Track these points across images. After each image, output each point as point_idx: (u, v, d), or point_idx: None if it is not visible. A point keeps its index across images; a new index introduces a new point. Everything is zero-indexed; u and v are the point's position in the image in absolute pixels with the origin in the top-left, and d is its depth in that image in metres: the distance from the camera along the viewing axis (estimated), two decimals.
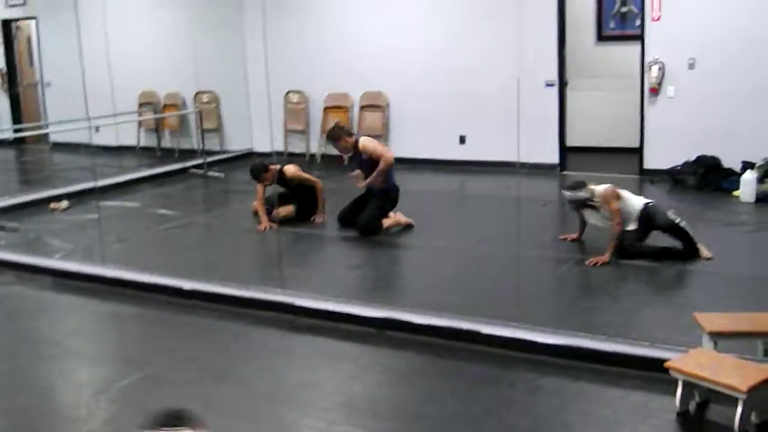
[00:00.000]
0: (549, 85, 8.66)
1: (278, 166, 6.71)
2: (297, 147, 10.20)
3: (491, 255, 5.60)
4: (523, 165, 8.83)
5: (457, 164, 9.21)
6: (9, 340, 4.37)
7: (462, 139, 9.25)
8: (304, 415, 3.40)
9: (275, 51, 9.95)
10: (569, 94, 8.82)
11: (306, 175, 6.73)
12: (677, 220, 5.36)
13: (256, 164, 6.84)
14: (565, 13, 8.47)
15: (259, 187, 6.64)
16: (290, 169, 6.70)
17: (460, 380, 3.68)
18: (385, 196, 6.34)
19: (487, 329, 3.97)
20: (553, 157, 8.82)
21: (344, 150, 6.70)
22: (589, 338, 3.84)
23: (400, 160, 8.91)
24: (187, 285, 4.86)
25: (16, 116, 12.51)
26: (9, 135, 11.59)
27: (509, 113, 8.84)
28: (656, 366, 3.47)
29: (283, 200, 6.65)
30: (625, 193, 5.50)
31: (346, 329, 4.27)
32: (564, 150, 8.84)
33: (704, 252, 5.28)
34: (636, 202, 5.46)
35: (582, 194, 5.58)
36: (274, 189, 6.71)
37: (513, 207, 7.11)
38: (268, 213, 6.56)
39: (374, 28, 9.46)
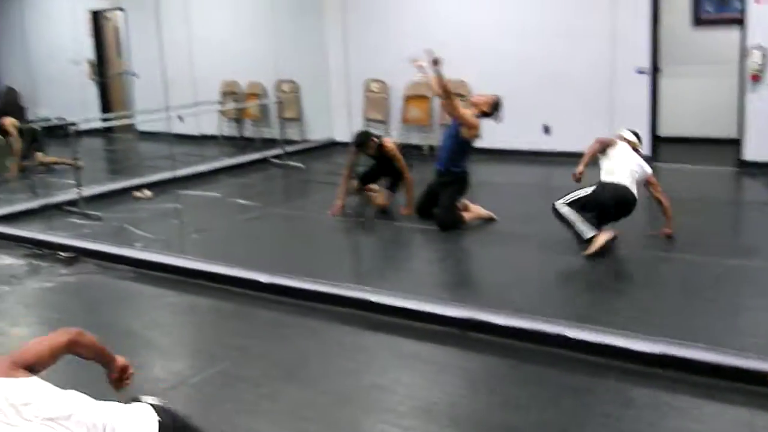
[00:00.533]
0: (640, 71, 8.23)
1: (377, 140, 6.69)
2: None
3: (579, 252, 5.32)
4: None
5: (542, 155, 8.89)
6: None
7: (547, 129, 8.92)
8: (378, 420, 3.25)
9: (356, 40, 9.86)
10: (662, 81, 8.38)
11: (401, 157, 6.66)
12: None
13: (362, 131, 6.92)
14: None
15: (352, 156, 6.70)
16: (389, 143, 6.70)
17: (544, 388, 3.46)
18: (455, 183, 6.13)
19: (573, 333, 3.73)
20: (644, 147, 8.37)
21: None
22: (687, 346, 3.54)
23: (481, 151, 8.70)
24: (264, 278, 4.77)
25: (105, 105, 12.83)
26: (97, 124, 11.85)
27: (597, 101, 8.51)
28: (763, 379, 3.17)
29: (366, 179, 6.80)
30: None
31: (425, 329, 4.09)
32: (656, 140, 8.41)
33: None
34: None
35: None
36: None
37: None
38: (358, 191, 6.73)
39: (456, 15, 9.21)
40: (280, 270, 4.88)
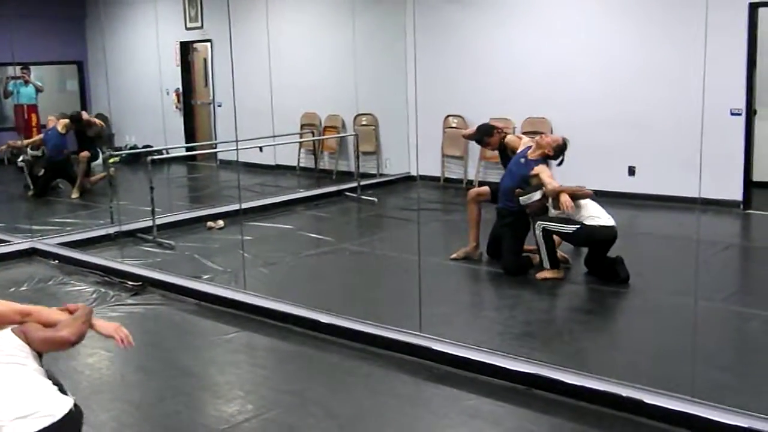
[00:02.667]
0: (734, 113, 7.79)
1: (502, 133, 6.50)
2: (454, 173, 9.88)
3: (664, 305, 4.98)
4: (700, 200, 8.01)
5: (625, 197, 8.50)
6: (144, 367, 4.32)
7: (631, 171, 8.54)
8: None
9: (436, 74, 9.72)
10: (757, 123, 7.92)
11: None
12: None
13: (487, 124, 6.62)
14: (757, 33, 7.60)
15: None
16: (511, 138, 6.49)
17: None
18: (515, 222, 5.87)
19: (652, 399, 3.41)
20: (735, 193, 7.92)
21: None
22: None
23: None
24: (324, 318, 4.63)
25: (190, 134, 13.10)
26: (180, 152, 12.09)
27: (684, 143, 8.08)
28: None
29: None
30: None
31: (488, 383, 3.85)
32: (749, 185, 7.92)
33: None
34: None
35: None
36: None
37: (689, 249, 6.45)
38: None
39: (539, 52, 8.97)
40: (343, 310, 4.73)
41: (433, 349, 4.10)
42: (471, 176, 9.70)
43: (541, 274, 5.62)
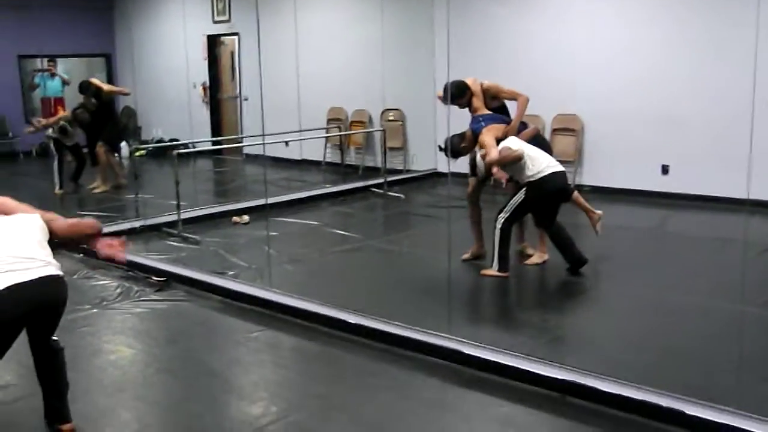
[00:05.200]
0: None
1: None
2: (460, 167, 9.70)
3: (703, 311, 4.80)
4: (732, 201, 7.79)
5: (658, 196, 8.31)
6: (166, 366, 4.24)
7: (665, 169, 8.33)
8: None
9: (464, 70, 9.55)
10: None
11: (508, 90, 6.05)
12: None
13: (453, 82, 5.78)
14: None
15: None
16: (489, 84, 6.00)
17: None
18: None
19: (693, 410, 3.25)
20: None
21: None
22: None
23: (594, 189, 8.23)
24: (352, 318, 4.52)
25: (216, 128, 13.07)
26: (207, 146, 12.05)
27: (720, 140, 7.88)
28: None
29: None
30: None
31: (521, 389, 3.71)
32: None
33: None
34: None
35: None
36: None
37: (725, 251, 6.27)
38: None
39: (570, 46, 8.79)
40: (371, 310, 4.61)
41: (462, 353, 3.97)
42: None
43: (486, 272, 5.52)
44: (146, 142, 13.24)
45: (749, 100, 7.53)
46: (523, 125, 5.85)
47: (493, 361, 3.87)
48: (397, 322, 4.35)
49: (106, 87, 9.68)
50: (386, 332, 4.31)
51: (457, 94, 5.80)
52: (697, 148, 8.04)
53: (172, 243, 6.85)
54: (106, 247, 3.43)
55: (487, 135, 5.55)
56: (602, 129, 8.70)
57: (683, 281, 5.43)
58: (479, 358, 3.91)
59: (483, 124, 5.70)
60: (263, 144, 6.47)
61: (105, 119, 9.47)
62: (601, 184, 8.52)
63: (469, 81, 5.92)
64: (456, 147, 5.79)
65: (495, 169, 5.40)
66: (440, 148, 6.00)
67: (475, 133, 5.71)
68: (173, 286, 5.57)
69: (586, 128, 8.83)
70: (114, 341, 4.57)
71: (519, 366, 3.79)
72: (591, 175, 8.65)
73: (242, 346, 4.47)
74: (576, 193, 5.93)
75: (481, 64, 9.49)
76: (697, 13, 7.89)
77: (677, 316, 4.75)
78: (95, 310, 5.10)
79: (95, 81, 9.65)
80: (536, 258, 5.88)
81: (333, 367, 4.13)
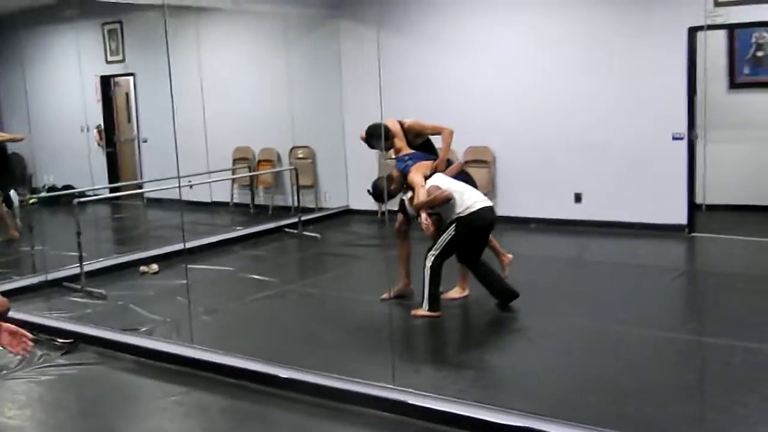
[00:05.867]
0: (677, 138, 7.79)
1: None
2: (393, 205, 9.57)
3: (636, 340, 4.77)
4: (644, 226, 7.98)
5: (572, 224, 8.40)
6: None
7: (578, 197, 8.44)
8: None
9: (372, 105, 9.47)
10: (699, 147, 7.93)
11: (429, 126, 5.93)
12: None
13: (376, 124, 5.66)
14: (696, 58, 7.62)
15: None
16: (410, 122, 5.87)
17: None
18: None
19: None
20: (680, 216, 7.90)
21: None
22: None
23: (507, 219, 8.22)
24: (284, 372, 4.23)
25: (113, 173, 12.45)
26: (104, 192, 11.44)
27: (630, 169, 8.06)
28: None
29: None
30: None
31: None
32: (693, 209, 7.91)
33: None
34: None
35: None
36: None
37: (645, 277, 6.35)
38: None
39: (479, 78, 8.83)
40: (303, 361, 4.33)
41: (408, 403, 3.75)
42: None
43: (416, 312, 5.36)
44: (36, 190, 12.46)
45: (657, 126, 7.81)
46: (448, 162, 5.77)
47: (442, 411, 3.67)
48: (333, 374, 4.09)
49: None
50: (323, 386, 4.04)
51: (383, 137, 5.67)
52: (609, 175, 8.18)
53: (75, 299, 6.34)
54: (7, 335, 2.68)
55: (416, 174, 5.43)
56: (514, 159, 8.76)
57: (612, 311, 5.41)
58: (426, 408, 3.71)
59: (410, 162, 5.57)
60: (179, 187, 6.07)
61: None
62: (515, 214, 8.53)
63: (388, 122, 5.80)
64: (384, 190, 5.60)
65: (423, 217, 5.24)
66: (369, 192, 5.81)
67: (403, 173, 5.57)
68: (81, 348, 5.11)
69: (498, 160, 8.86)
70: (20, 416, 4.10)
71: (470, 414, 3.60)
72: (504, 206, 8.65)
73: (164, 411, 4.10)
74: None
75: (390, 99, 9.42)
76: (601, 47, 8.08)
77: (614, 348, 4.69)
78: None
79: None
80: (455, 293, 5.76)
81: (270, 429, 3.83)
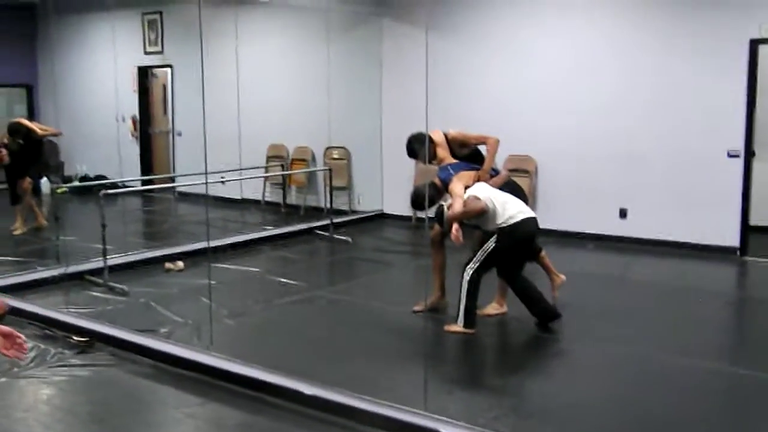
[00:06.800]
0: (732, 155, 7.37)
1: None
2: (430, 212, 9.24)
3: (684, 372, 4.40)
4: (693, 246, 7.57)
5: (615, 240, 8.01)
6: None
7: (623, 213, 8.05)
8: None
9: (411, 107, 9.18)
10: (755, 165, 7.50)
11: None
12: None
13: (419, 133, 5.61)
14: (757, 71, 7.20)
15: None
16: (453, 133, 5.67)
17: None
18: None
19: None
20: (732, 238, 7.48)
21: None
22: None
23: (548, 233, 7.86)
24: (307, 389, 3.93)
25: (147, 164, 12.31)
26: (135, 185, 11.28)
27: (680, 185, 7.66)
28: None
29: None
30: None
31: None
32: (746, 231, 7.48)
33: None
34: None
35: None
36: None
37: (691, 301, 5.97)
38: None
39: (524, 85, 8.49)
40: (328, 377, 4.04)
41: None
42: None
43: (449, 327, 5.08)
44: (69, 179, 12.36)
45: (712, 142, 7.39)
46: (494, 171, 5.48)
47: None
48: (361, 395, 3.79)
49: (39, 130, 8.90)
50: (349, 406, 3.73)
51: (419, 146, 5.51)
52: (657, 191, 7.79)
53: (96, 294, 6.14)
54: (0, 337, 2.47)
55: (457, 184, 5.18)
56: (558, 171, 8.39)
57: (659, 337, 5.04)
58: None
59: (452, 172, 5.32)
60: (206, 183, 5.84)
61: (32, 158, 8.71)
62: (557, 228, 8.17)
63: (432, 133, 5.59)
64: (425, 197, 5.28)
65: (455, 228, 4.95)
66: (412, 201, 5.52)
67: (445, 183, 5.31)
68: (97, 348, 4.87)
69: (540, 170, 8.50)
70: (26, 421, 3.86)
71: None
72: (546, 219, 8.26)
73: (179, 424, 3.83)
74: (543, 253, 5.59)
75: (432, 103, 9.11)
76: (653, 56, 7.69)
77: (660, 379, 4.32)
78: (3, 380, 4.37)
79: (26, 122, 8.87)
80: (492, 309, 5.44)
81: None
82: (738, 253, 7.45)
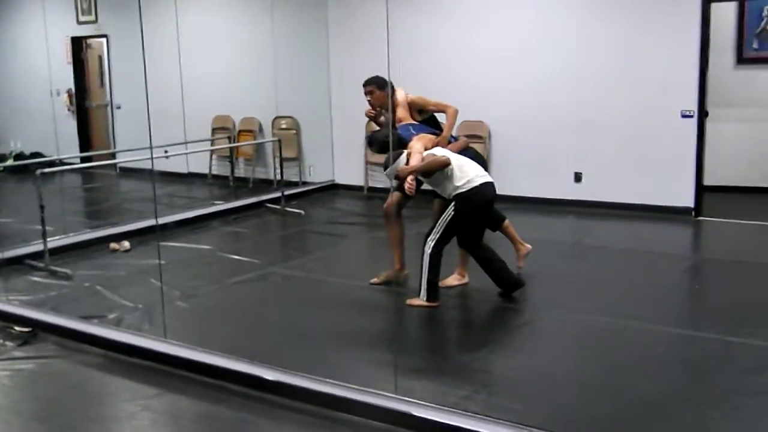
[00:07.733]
0: (686, 115, 7.34)
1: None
2: (379, 181, 9.07)
3: (645, 337, 4.34)
4: (648, 207, 7.56)
5: (570, 204, 7.96)
6: None
7: (578, 177, 7.98)
8: None
9: (360, 74, 8.94)
10: (708, 125, 7.48)
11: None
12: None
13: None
14: (710, 30, 7.15)
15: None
16: (414, 97, 5.56)
17: None
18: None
19: None
20: (686, 199, 7.48)
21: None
22: None
23: (503, 198, 7.74)
24: (270, 374, 3.74)
25: (85, 139, 11.82)
26: (74, 162, 10.83)
27: (634, 147, 7.62)
28: None
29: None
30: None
31: None
32: (700, 191, 7.49)
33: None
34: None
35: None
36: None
37: (654, 265, 5.93)
38: None
39: (476, 50, 8.32)
40: (290, 361, 3.85)
41: (414, 415, 3.28)
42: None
43: (412, 302, 4.92)
44: (2, 157, 11.80)
45: (665, 103, 7.35)
46: (453, 138, 5.36)
47: (448, 425, 3.20)
48: (326, 379, 3.61)
49: None
50: (315, 391, 3.55)
51: (380, 85, 5.46)
52: (611, 153, 7.75)
53: (37, 279, 5.81)
54: None
55: (417, 142, 5.07)
56: (511, 136, 8.28)
57: (623, 304, 4.96)
58: (433, 421, 3.24)
59: (413, 132, 5.22)
60: (151, 158, 5.55)
61: None
62: (511, 193, 8.06)
63: (396, 91, 5.51)
64: (385, 139, 5.12)
65: (410, 178, 4.81)
66: (368, 142, 5.48)
67: (404, 141, 5.15)
68: (41, 338, 4.59)
69: (494, 136, 8.38)
70: None
71: (476, 429, 3.14)
72: (500, 185, 8.16)
73: (133, 418, 3.59)
74: (507, 222, 5.51)
75: (379, 68, 8.88)
76: (604, 19, 7.59)
77: (631, 348, 4.25)
78: None
79: None
80: (453, 280, 5.32)
81: None
82: (692, 213, 7.46)
